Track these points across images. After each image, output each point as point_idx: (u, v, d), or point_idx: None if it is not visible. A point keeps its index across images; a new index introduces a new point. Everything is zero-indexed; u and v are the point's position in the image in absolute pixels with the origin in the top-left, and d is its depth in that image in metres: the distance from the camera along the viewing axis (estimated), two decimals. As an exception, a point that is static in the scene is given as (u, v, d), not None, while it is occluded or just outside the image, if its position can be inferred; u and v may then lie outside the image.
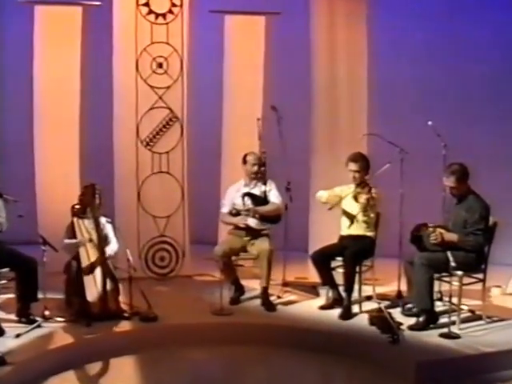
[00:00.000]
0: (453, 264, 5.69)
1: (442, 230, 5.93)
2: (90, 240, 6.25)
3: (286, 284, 7.15)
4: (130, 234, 7.29)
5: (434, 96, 7.93)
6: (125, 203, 7.43)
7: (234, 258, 6.74)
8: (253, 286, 6.95)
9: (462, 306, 6.08)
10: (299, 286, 7.20)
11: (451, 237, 5.91)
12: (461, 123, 7.69)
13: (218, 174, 7.79)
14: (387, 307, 6.29)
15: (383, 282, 7.02)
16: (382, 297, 6.76)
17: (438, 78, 7.95)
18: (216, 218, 7.24)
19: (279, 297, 6.87)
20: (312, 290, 7.08)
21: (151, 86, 7.38)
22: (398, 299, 6.70)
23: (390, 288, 7.01)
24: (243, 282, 6.83)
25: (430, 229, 5.96)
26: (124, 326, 6.07)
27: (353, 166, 6.48)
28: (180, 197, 7.52)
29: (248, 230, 6.68)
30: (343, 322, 6.21)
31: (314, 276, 7.10)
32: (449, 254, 5.72)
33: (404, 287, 6.64)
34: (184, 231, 7.59)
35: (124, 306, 6.24)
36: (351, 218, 6.50)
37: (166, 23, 7.40)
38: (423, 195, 7.30)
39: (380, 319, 5.91)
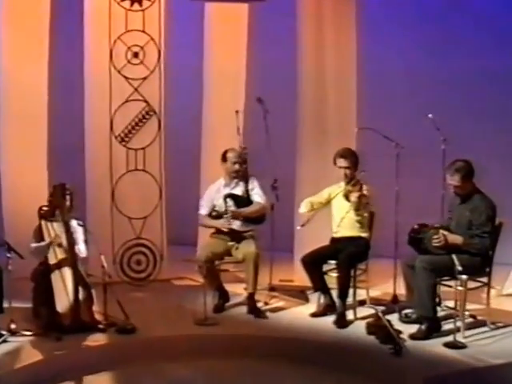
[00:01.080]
0: (459, 268, 5.13)
1: (446, 232, 5.37)
2: (60, 245, 5.60)
3: (272, 289, 6.55)
4: (104, 236, 6.65)
5: (429, 88, 7.34)
6: (98, 204, 6.82)
7: (217, 262, 6.12)
8: (236, 290, 6.38)
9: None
10: (287, 290, 6.60)
11: (456, 239, 5.35)
12: (458, 117, 7.09)
13: (197, 171, 7.17)
14: (383, 313, 5.73)
15: (377, 285, 6.46)
16: (376, 301, 6.20)
17: (432, 70, 7.35)
18: (195, 218, 6.61)
19: (266, 303, 6.29)
20: (300, 294, 6.51)
21: (126, 78, 6.76)
22: (393, 304, 6.15)
23: (384, 291, 6.46)
24: (226, 287, 6.22)
25: (432, 230, 5.40)
26: (98, 339, 5.43)
27: (342, 163, 5.92)
28: (157, 196, 6.91)
29: (232, 233, 6.06)
30: (338, 330, 5.63)
31: (299, 278, 6.62)
32: (454, 257, 5.17)
33: (400, 291, 6.09)
34: (162, 233, 6.98)
35: (98, 317, 5.61)
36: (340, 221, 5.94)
37: (142, 10, 6.76)
38: (420, 193, 6.76)
39: (379, 328, 5.33)
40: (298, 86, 6.96)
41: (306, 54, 6.90)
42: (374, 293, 6.32)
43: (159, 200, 6.91)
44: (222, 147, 6.33)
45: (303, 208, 6.02)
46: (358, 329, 5.58)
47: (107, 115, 6.72)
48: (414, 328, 5.45)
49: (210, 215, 6.18)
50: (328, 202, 6.02)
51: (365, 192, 5.73)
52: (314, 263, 5.89)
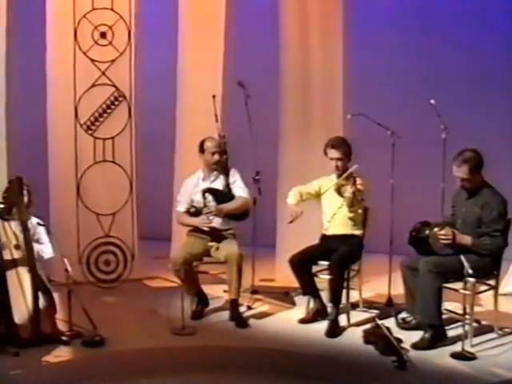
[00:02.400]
0: (469, 271, 4.45)
1: (454, 230, 4.69)
2: (17, 246, 4.81)
3: (255, 291, 5.84)
4: (69, 235, 5.94)
5: (426, 73, 6.60)
6: (62, 199, 6.06)
7: (195, 263, 5.39)
8: (216, 293, 5.69)
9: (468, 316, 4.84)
10: (270, 292, 5.88)
11: (464, 239, 4.67)
12: (459, 103, 6.38)
13: (171, 162, 6.39)
14: (378, 317, 5.06)
15: (369, 284, 5.76)
16: (369, 304, 5.54)
17: (428, 52, 6.64)
18: (169, 212, 6.06)
19: (249, 307, 5.57)
20: (285, 297, 5.81)
21: (92, 60, 6.01)
22: (388, 307, 5.49)
23: (376, 291, 5.78)
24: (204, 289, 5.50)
25: (436, 228, 4.73)
26: (62, 353, 4.64)
27: (334, 153, 5.21)
28: (128, 190, 6.15)
29: (211, 231, 5.34)
30: (331, 339, 4.93)
31: (281, 278, 6.01)
32: (463, 258, 4.49)
33: (395, 291, 5.47)
34: (133, 230, 6.22)
35: (61, 327, 4.85)
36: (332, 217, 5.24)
37: (110, -14, 6.02)
38: (418, 187, 6.08)
39: (378, 337, 4.64)
40: (280, 72, 6.22)
41: (290, 39, 6.16)
42: (366, 294, 5.64)
43: (130, 194, 6.16)
44: (199, 136, 5.60)
45: (291, 199, 5.29)
46: (354, 337, 4.88)
47: (71, 101, 5.97)
48: (414, 335, 4.78)
49: (187, 212, 5.44)
50: (318, 195, 5.34)
51: (359, 186, 5.03)
52: (302, 264, 5.17)
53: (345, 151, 5.21)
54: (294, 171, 6.10)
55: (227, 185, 5.42)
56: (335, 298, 5.03)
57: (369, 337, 4.73)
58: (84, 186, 6.03)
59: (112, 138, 6.07)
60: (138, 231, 6.28)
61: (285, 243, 6.14)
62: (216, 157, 5.40)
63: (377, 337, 4.65)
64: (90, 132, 6.03)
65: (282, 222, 6.22)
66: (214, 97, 5.78)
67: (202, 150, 5.45)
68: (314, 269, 5.27)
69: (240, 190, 5.41)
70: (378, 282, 5.83)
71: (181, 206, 5.48)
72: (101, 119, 6.04)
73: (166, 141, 6.48)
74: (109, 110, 6.05)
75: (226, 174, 5.44)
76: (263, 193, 5.74)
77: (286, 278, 5.63)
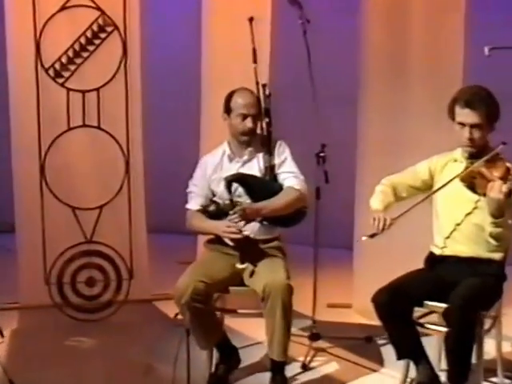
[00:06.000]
0: None
1: None
2: None
3: (315, 335, 3.94)
4: (31, 240, 4.38)
5: None
6: (24, 187, 4.45)
7: (216, 294, 3.53)
8: (251, 332, 4.01)
9: None
10: (342, 338, 4.01)
11: None
12: None
13: (193, 125, 4.68)
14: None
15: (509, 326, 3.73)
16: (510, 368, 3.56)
17: None
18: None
19: (305, 366, 3.72)
20: (368, 346, 3.96)
21: (65, -30, 4.36)
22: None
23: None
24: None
25: None
26: None
27: (468, 116, 3.20)
28: (122, 170, 4.47)
29: (243, 245, 3.50)
30: None
31: (361, 303, 4.29)
32: None
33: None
34: (131, 231, 4.49)
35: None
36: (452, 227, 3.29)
37: None
38: None
39: None
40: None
41: None
42: (506, 347, 3.64)
43: (125, 176, 4.47)
44: (231, 84, 3.77)
45: (376, 201, 3.37)
46: None
47: (30, 33, 4.30)
48: None
49: (204, 211, 3.59)
50: (427, 187, 3.38)
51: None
52: (396, 306, 3.18)
53: (487, 113, 3.19)
54: (381, 143, 4.44)
55: (270, 168, 3.58)
56: (457, 367, 3.06)
57: None
58: (53, 166, 4.37)
59: (97, 89, 4.40)
60: (150, 224, 4.66)
61: (368, 249, 4.37)
62: (249, 123, 3.55)
63: None
64: (60, 81, 4.37)
65: (360, 216, 4.44)
66: (251, 20, 3.90)
67: (227, 109, 3.61)
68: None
69: (290, 176, 3.58)
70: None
71: (193, 201, 3.63)
72: (77, 61, 4.38)
73: (181, 93, 5.04)
74: (90, 47, 4.38)
75: (269, 151, 3.61)
76: (332, 176, 3.93)
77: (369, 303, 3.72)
